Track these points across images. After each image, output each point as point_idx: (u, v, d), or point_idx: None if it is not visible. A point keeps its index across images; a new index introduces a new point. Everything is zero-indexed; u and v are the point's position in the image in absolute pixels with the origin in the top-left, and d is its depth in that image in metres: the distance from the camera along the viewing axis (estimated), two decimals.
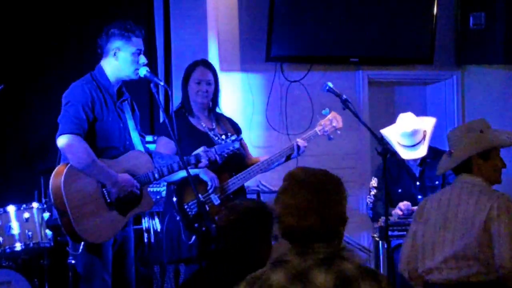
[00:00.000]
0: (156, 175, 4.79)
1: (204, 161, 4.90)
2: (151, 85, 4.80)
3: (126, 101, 4.95)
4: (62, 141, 4.56)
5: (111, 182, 4.61)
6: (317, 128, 5.53)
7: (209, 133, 5.42)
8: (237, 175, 5.33)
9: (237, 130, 5.63)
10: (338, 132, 5.57)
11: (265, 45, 7.12)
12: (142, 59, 4.81)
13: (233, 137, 5.06)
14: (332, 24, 7.39)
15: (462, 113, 8.24)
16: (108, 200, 4.64)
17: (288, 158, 5.54)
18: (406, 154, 6.12)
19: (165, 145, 5.22)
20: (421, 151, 6.13)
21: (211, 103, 5.51)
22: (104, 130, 4.74)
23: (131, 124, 4.92)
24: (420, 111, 7.22)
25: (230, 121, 5.68)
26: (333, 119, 5.51)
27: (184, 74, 5.53)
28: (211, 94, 5.47)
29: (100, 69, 4.84)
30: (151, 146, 5.41)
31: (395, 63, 7.98)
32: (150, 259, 6.17)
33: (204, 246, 5.11)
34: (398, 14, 7.71)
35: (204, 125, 5.47)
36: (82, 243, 4.64)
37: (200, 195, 5.18)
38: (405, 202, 6.05)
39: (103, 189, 4.63)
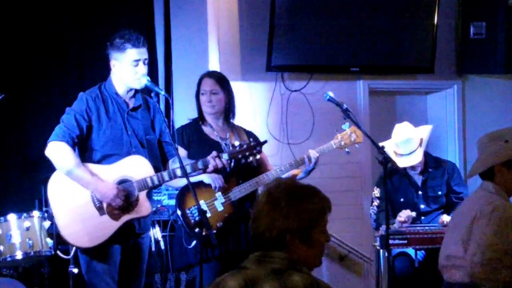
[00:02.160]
0: (156, 181, 4.78)
1: (211, 167, 4.89)
2: (152, 94, 4.83)
3: (142, 109, 4.97)
4: (47, 148, 4.73)
5: (92, 188, 4.67)
6: (333, 141, 5.51)
7: (220, 142, 5.44)
8: (243, 184, 5.34)
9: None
10: (357, 146, 5.58)
11: (265, 55, 7.14)
12: (142, 69, 4.83)
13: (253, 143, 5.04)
14: (333, 33, 7.40)
15: (462, 122, 8.24)
16: (98, 205, 4.67)
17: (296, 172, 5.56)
18: (401, 162, 6.13)
19: None
20: (416, 157, 6.14)
21: (224, 113, 5.52)
22: (103, 138, 4.80)
23: (148, 131, 4.95)
24: (421, 121, 7.23)
25: (250, 134, 5.68)
26: (352, 133, 5.50)
27: (196, 87, 5.59)
28: (218, 104, 5.49)
29: (109, 80, 4.93)
30: None
31: (396, 72, 7.99)
32: (151, 268, 6.17)
33: (205, 251, 5.14)
34: (399, 24, 7.72)
35: (216, 134, 5.49)
36: (73, 247, 4.77)
37: (203, 201, 5.20)
38: (404, 211, 6.05)
39: (93, 194, 4.68)
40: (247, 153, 4.94)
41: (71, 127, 4.71)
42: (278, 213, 2.86)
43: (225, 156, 4.87)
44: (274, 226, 2.86)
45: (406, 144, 6.12)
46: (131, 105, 4.93)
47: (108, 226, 4.71)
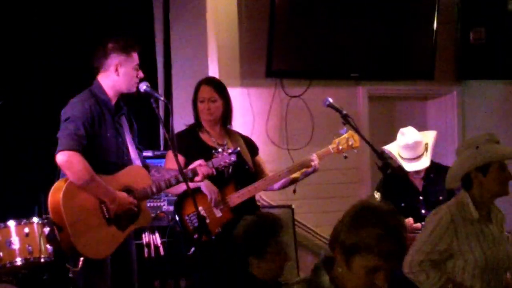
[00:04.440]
0: (154, 190, 4.80)
1: (200, 176, 4.90)
2: (151, 100, 4.81)
3: (124, 115, 4.97)
4: (61, 157, 4.59)
5: (109, 199, 4.64)
6: (331, 146, 5.54)
7: (218, 148, 5.43)
8: (241, 190, 5.34)
9: (252, 148, 5.63)
10: (355, 151, 5.59)
11: (265, 60, 7.14)
12: (141, 74, 4.85)
13: (230, 150, 5.08)
14: (332, 39, 7.41)
15: (462, 128, 8.25)
16: (107, 216, 4.66)
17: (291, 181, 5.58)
18: (409, 166, 6.11)
19: (172, 159, 5.23)
20: (425, 162, 6.12)
21: (221, 119, 5.52)
22: (102, 146, 4.77)
23: (129, 138, 4.94)
24: (421, 126, 7.22)
25: (246, 139, 5.68)
26: (350, 138, 5.52)
27: (193, 93, 5.57)
28: (216, 111, 5.48)
29: (98, 84, 4.88)
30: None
31: (396, 78, 8.00)
32: (150, 274, 6.17)
33: (204, 258, 5.13)
34: (399, 30, 7.74)
35: (214, 141, 5.49)
36: (82, 258, 4.66)
37: (201, 208, 5.20)
38: (406, 219, 6.03)
39: (102, 205, 4.65)
40: (226, 161, 5.00)
41: (81, 135, 4.63)
42: (341, 223, 2.85)
43: (210, 164, 4.91)
44: (333, 232, 2.87)
45: (413, 149, 6.09)
46: (118, 111, 4.93)
47: (116, 236, 4.71)
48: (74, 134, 4.61)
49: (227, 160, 5.02)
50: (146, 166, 5.01)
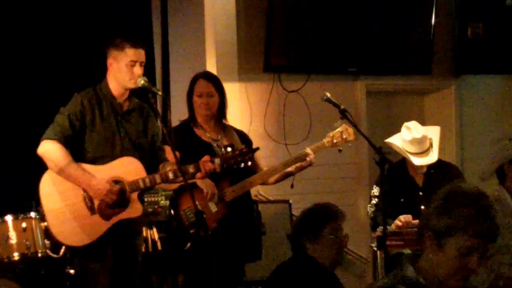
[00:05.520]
0: (148, 183, 4.76)
1: (203, 172, 4.88)
2: (149, 94, 4.81)
3: (135, 112, 4.98)
4: (39, 147, 4.74)
5: (85, 186, 4.67)
6: (325, 140, 5.52)
7: (212, 143, 5.42)
8: (236, 184, 5.33)
9: (246, 143, 5.60)
10: (349, 144, 5.58)
11: (263, 55, 7.14)
12: (138, 71, 4.81)
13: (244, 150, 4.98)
14: (330, 34, 7.41)
15: (460, 122, 8.25)
16: (89, 204, 4.68)
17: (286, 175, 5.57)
18: (418, 161, 6.09)
19: (169, 154, 5.22)
20: (433, 157, 6.10)
21: (217, 114, 5.51)
22: (96, 139, 4.80)
23: (140, 134, 4.95)
24: (419, 121, 7.20)
25: (241, 134, 5.66)
26: (344, 132, 5.51)
27: (188, 88, 5.55)
28: (213, 106, 5.47)
29: (105, 81, 4.92)
30: None
31: (394, 73, 8.00)
32: (148, 269, 6.16)
33: (200, 253, 5.13)
34: (397, 24, 7.74)
35: (208, 136, 5.47)
36: (63, 246, 4.79)
37: (197, 203, 5.17)
38: (406, 216, 6.01)
39: (85, 193, 4.69)
40: (239, 159, 4.90)
41: (63, 127, 4.71)
42: (429, 209, 2.82)
43: (217, 161, 4.85)
44: (422, 219, 2.86)
45: (420, 143, 6.08)
46: (125, 108, 4.93)
47: (99, 225, 4.71)
48: (57, 125, 4.73)
49: (240, 161, 4.91)
50: (155, 166, 5.00)
